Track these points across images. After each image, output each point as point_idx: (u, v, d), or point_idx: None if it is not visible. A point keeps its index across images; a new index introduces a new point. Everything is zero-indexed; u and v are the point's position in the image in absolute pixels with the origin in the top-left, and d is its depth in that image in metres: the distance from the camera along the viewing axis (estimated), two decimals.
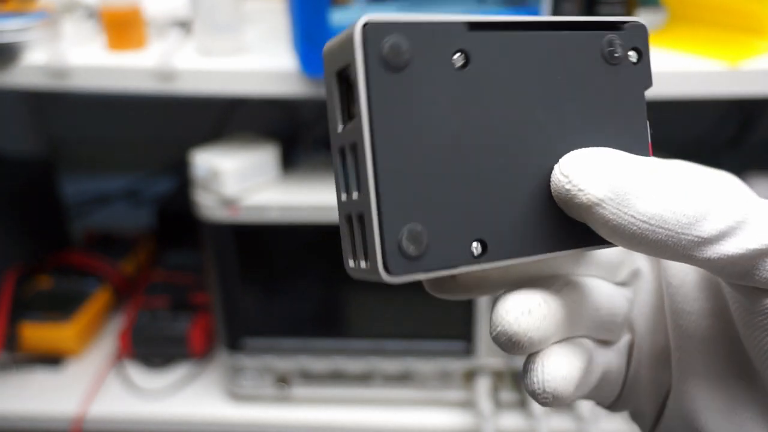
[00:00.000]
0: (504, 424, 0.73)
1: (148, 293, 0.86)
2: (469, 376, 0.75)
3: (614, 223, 0.18)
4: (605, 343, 0.24)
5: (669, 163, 0.24)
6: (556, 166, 0.19)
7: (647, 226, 0.18)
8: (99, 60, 0.63)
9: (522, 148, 0.19)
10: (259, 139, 0.71)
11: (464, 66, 0.19)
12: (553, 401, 0.21)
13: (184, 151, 0.72)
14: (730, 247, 0.18)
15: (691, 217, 0.18)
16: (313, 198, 0.68)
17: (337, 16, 0.57)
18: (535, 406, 0.71)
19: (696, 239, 0.18)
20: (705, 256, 0.18)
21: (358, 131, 0.18)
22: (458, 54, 0.19)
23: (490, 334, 0.21)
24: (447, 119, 0.19)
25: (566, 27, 0.21)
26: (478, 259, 0.19)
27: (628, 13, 0.61)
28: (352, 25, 0.18)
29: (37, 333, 0.81)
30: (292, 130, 0.90)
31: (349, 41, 0.18)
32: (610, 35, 0.21)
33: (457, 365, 0.74)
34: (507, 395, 0.75)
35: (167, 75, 0.61)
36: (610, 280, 0.25)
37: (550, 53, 0.20)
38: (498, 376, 0.75)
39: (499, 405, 0.74)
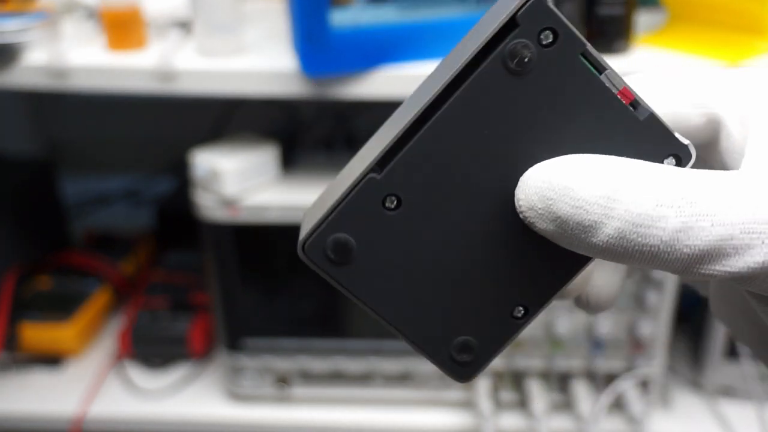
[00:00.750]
0: (504, 424, 0.73)
1: (148, 293, 0.86)
2: None
3: (570, 241, 0.18)
4: None
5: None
6: (516, 194, 0.19)
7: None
8: (99, 60, 0.63)
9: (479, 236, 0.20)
10: (259, 140, 0.71)
11: (398, 206, 0.19)
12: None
13: (184, 151, 0.72)
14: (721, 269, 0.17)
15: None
16: (313, 198, 0.67)
17: (337, 17, 0.57)
18: (535, 407, 0.71)
19: (685, 257, 0.19)
20: (696, 273, 0.18)
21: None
22: (388, 199, 0.19)
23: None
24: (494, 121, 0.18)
25: (457, 81, 0.18)
26: (520, 320, 0.21)
27: (629, 14, 0.61)
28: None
29: (37, 333, 0.81)
30: (291, 130, 0.90)
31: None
32: (508, 46, 0.18)
33: None
34: (507, 395, 0.75)
35: (167, 75, 0.61)
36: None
37: (463, 124, 0.19)
38: (498, 376, 0.75)
39: (499, 405, 0.74)
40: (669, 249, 0.16)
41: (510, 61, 0.18)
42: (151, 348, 0.81)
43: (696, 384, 0.79)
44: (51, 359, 0.82)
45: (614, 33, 0.61)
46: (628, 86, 0.18)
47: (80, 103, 1.02)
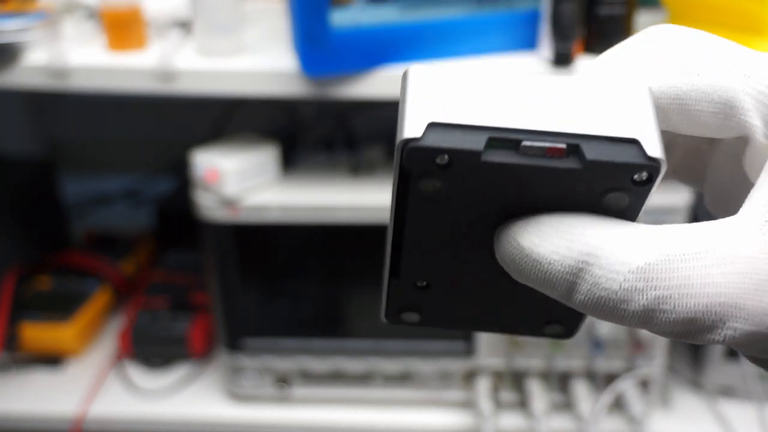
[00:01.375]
0: (504, 424, 0.73)
1: (148, 293, 0.86)
2: (469, 377, 0.75)
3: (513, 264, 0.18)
4: None
5: None
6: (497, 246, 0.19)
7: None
8: (99, 60, 0.63)
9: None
10: (259, 140, 0.71)
11: (427, 285, 0.22)
12: None
13: (184, 151, 0.72)
14: None
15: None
16: (313, 198, 0.68)
17: (337, 17, 0.57)
18: (535, 407, 0.71)
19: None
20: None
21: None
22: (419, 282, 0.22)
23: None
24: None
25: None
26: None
27: (629, 14, 0.61)
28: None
29: (37, 333, 0.81)
30: (292, 131, 0.90)
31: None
32: (417, 186, 0.18)
33: (457, 365, 0.74)
34: (507, 395, 0.75)
35: (167, 75, 0.61)
36: None
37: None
38: (498, 376, 0.75)
39: (499, 405, 0.74)
40: (640, 323, 0.16)
41: (426, 195, 0.18)
42: (151, 348, 0.81)
43: (696, 384, 0.79)
44: (51, 359, 0.82)
45: (614, 33, 0.61)
46: (550, 145, 0.17)
47: (80, 103, 1.02)
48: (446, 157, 0.17)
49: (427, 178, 0.17)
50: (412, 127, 0.16)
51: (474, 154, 0.16)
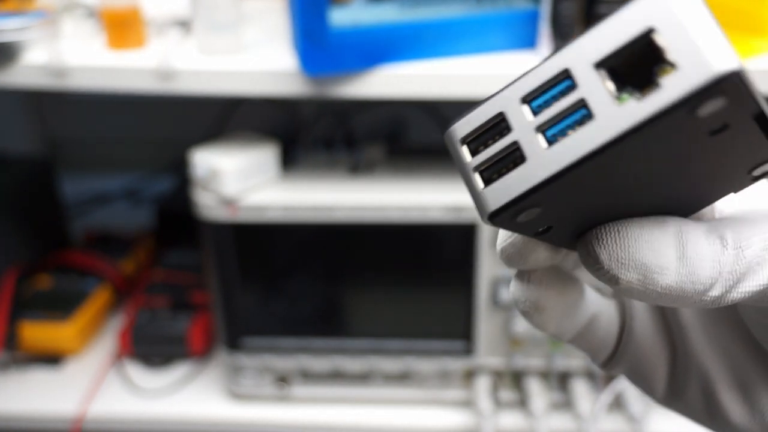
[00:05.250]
0: (504, 424, 0.73)
1: (147, 292, 0.86)
2: (469, 376, 0.75)
3: (640, 296, 0.19)
4: (600, 292, 0.26)
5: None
6: (583, 241, 0.20)
7: (669, 295, 0.19)
8: (99, 59, 0.63)
9: (632, 194, 0.19)
10: (258, 139, 0.71)
11: (713, 133, 0.17)
12: (534, 311, 0.23)
13: (183, 150, 0.72)
14: (740, 293, 0.20)
15: (707, 284, 0.19)
16: (313, 197, 0.68)
17: (337, 16, 0.57)
18: (535, 406, 0.71)
19: (709, 299, 0.20)
20: (720, 304, 0.20)
21: (609, 117, 0.15)
22: (721, 124, 0.16)
23: (499, 246, 0.22)
24: (655, 160, 0.17)
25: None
26: (537, 234, 0.19)
27: None
28: (725, 51, 0.15)
29: (36, 332, 0.81)
30: (291, 130, 0.90)
31: (704, 61, 0.15)
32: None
33: (456, 365, 0.74)
34: (507, 394, 0.75)
35: (167, 74, 0.61)
36: None
37: (743, 146, 0.18)
38: (498, 376, 0.75)
39: (498, 404, 0.74)
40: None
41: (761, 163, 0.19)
42: (151, 347, 0.81)
43: None
44: (51, 358, 0.82)
45: None
46: None
47: (80, 102, 1.02)
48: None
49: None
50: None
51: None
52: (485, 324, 0.72)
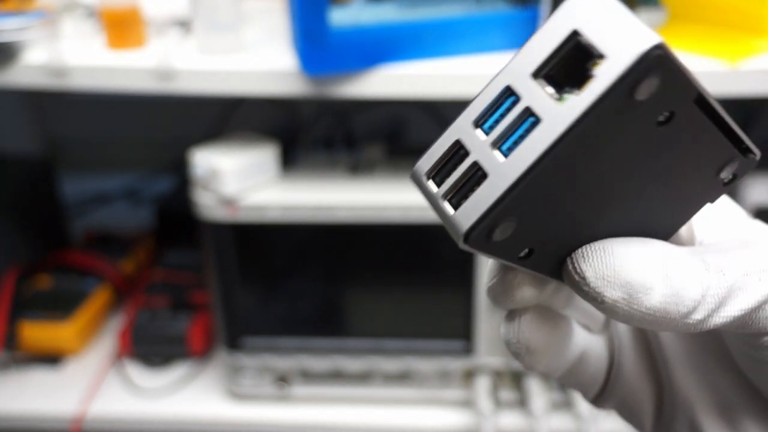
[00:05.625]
0: (503, 424, 0.73)
1: (147, 292, 0.86)
2: (469, 376, 0.75)
3: (625, 316, 0.20)
4: (589, 329, 0.26)
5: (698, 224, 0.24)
6: (569, 261, 0.20)
7: (653, 317, 0.20)
8: (98, 59, 0.63)
9: (604, 206, 0.20)
10: (258, 139, 0.71)
11: (661, 124, 0.18)
12: (526, 353, 0.23)
13: (183, 150, 0.72)
14: (719, 318, 0.20)
15: (690, 306, 0.20)
16: (313, 197, 0.68)
17: (337, 15, 0.57)
18: (535, 406, 0.71)
19: (693, 321, 0.20)
20: (702, 328, 0.20)
21: (554, 115, 0.16)
22: (668, 113, 0.18)
23: (488, 283, 0.22)
24: (610, 156, 0.18)
25: (725, 128, 0.20)
26: (519, 260, 0.20)
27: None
28: (645, 32, 0.16)
29: (36, 332, 0.81)
30: (291, 130, 0.90)
31: (627, 44, 0.16)
32: (737, 155, 0.21)
33: (456, 364, 0.74)
34: (507, 394, 0.75)
35: (167, 74, 0.61)
36: None
37: (701, 144, 0.20)
38: (498, 376, 0.75)
39: (498, 404, 0.74)
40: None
41: (728, 159, 0.20)
42: (150, 347, 0.81)
43: None
44: (50, 358, 0.82)
45: None
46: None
47: (80, 102, 1.02)
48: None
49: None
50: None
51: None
52: (485, 324, 0.72)
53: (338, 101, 0.83)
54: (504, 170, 0.17)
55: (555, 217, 0.19)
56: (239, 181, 0.67)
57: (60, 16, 0.71)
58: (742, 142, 0.21)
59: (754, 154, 0.21)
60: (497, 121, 0.17)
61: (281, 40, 0.67)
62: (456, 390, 0.76)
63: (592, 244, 0.20)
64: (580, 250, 0.20)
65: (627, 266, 0.19)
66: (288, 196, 0.68)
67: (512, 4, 0.64)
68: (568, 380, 0.26)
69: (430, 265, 0.72)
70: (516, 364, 0.73)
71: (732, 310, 0.20)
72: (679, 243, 0.23)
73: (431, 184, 0.18)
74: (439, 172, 0.18)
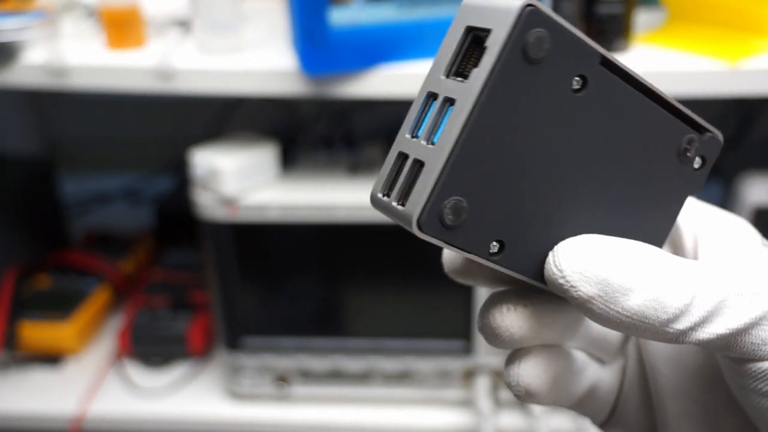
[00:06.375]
0: (503, 423, 0.73)
1: (147, 292, 0.86)
2: (469, 375, 0.75)
3: (601, 316, 0.19)
4: (601, 360, 0.26)
5: (681, 223, 0.25)
6: (550, 254, 0.20)
7: (631, 320, 0.19)
8: (98, 59, 0.63)
9: (567, 191, 0.20)
10: (258, 139, 0.71)
11: (577, 90, 0.19)
12: (526, 396, 0.23)
13: (183, 150, 0.72)
14: (704, 333, 0.19)
15: (671, 314, 0.19)
16: (313, 197, 0.68)
17: (337, 15, 0.57)
18: (535, 406, 0.72)
19: (674, 331, 0.19)
20: (681, 341, 0.20)
21: (464, 92, 0.18)
22: (578, 78, 0.19)
23: (478, 326, 0.23)
24: (539, 128, 0.19)
25: (665, 105, 0.21)
26: (491, 256, 0.20)
27: (628, 12, 0.61)
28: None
29: (36, 332, 0.81)
30: (291, 130, 0.90)
31: (503, 12, 0.18)
32: (693, 135, 0.22)
33: (456, 364, 0.74)
34: (506, 394, 0.75)
35: (166, 74, 0.61)
36: None
37: (640, 121, 0.21)
38: (497, 375, 0.75)
39: (498, 404, 0.74)
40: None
41: (686, 142, 0.22)
42: (150, 347, 0.81)
43: None
44: (50, 358, 0.82)
45: (613, 31, 0.61)
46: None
47: (79, 102, 1.02)
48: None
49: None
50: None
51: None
52: None
53: (338, 101, 0.83)
54: (435, 153, 0.18)
55: (512, 200, 0.19)
56: (239, 181, 0.67)
57: (60, 15, 0.71)
58: (685, 115, 0.21)
59: (710, 131, 0.22)
60: (426, 122, 0.19)
61: (281, 40, 0.67)
62: (456, 390, 0.76)
63: (574, 237, 0.20)
64: (564, 241, 0.20)
65: (606, 262, 0.19)
66: (288, 195, 0.68)
67: None
68: (576, 410, 0.25)
69: (430, 265, 0.72)
70: None
71: (717, 327, 0.19)
72: (682, 255, 0.23)
73: (385, 199, 0.20)
74: (390, 186, 0.20)
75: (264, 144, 0.70)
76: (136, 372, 0.81)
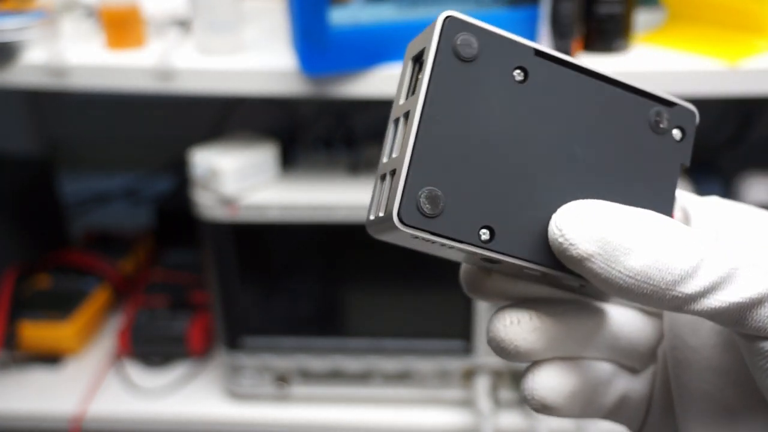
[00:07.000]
0: (503, 423, 0.73)
1: (147, 292, 0.86)
2: (469, 375, 0.75)
3: (603, 276, 0.19)
4: (632, 369, 0.25)
5: (685, 199, 0.24)
6: (553, 216, 0.20)
7: (634, 281, 0.18)
8: (98, 59, 0.63)
9: (548, 172, 0.21)
10: (258, 138, 0.71)
11: (522, 81, 0.21)
12: (543, 410, 0.22)
13: (183, 150, 0.72)
14: (715, 301, 0.19)
15: (677, 275, 0.18)
16: (313, 197, 0.68)
17: (337, 15, 0.57)
18: None
19: (681, 295, 0.19)
20: (691, 309, 0.19)
21: (414, 100, 0.20)
22: (518, 70, 0.21)
23: (486, 340, 0.22)
24: (494, 117, 0.20)
25: (622, 86, 0.22)
26: (484, 244, 0.20)
27: (628, 12, 0.61)
28: (440, 17, 0.20)
29: (36, 332, 0.81)
30: (291, 129, 0.90)
31: (429, 29, 0.20)
32: (660, 108, 0.22)
33: (456, 364, 0.74)
34: (506, 394, 0.75)
35: (166, 74, 0.61)
36: (643, 309, 0.25)
37: (600, 102, 0.22)
38: (497, 375, 0.75)
39: (498, 404, 0.74)
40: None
41: (654, 115, 0.22)
42: (150, 347, 0.81)
43: None
44: (50, 358, 0.82)
45: (613, 31, 0.61)
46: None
47: (79, 101, 1.02)
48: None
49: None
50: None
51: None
52: (485, 323, 0.72)
53: (338, 101, 0.83)
54: (400, 156, 0.20)
55: (489, 185, 0.20)
56: (239, 180, 0.67)
57: (60, 15, 0.71)
58: (643, 91, 0.22)
59: (677, 104, 0.23)
60: (394, 142, 0.21)
61: (281, 40, 0.67)
62: (456, 390, 0.76)
63: (576, 201, 0.20)
64: (563, 205, 0.20)
65: (606, 221, 0.19)
66: (287, 195, 0.68)
67: (511, 4, 0.63)
68: (610, 419, 0.25)
69: (430, 265, 0.72)
70: (516, 364, 0.73)
71: (729, 295, 0.18)
72: None
73: (372, 218, 0.21)
74: (377, 208, 0.21)
75: (264, 144, 0.70)
76: (136, 372, 0.81)
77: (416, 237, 0.19)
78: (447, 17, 0.20)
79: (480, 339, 0.73)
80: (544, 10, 0.60)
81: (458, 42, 0.20)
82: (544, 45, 0.63)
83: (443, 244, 0.20)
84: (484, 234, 0.20)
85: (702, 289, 0.18)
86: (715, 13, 0.65)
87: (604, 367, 0.24)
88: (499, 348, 0.22)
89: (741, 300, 0.18)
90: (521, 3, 0.63)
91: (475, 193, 0.20)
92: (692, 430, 0.23)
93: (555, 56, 0.21)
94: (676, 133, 0.23)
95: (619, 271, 0.18)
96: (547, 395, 0.22)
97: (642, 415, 0.25)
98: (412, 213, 0.19)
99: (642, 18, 0.68)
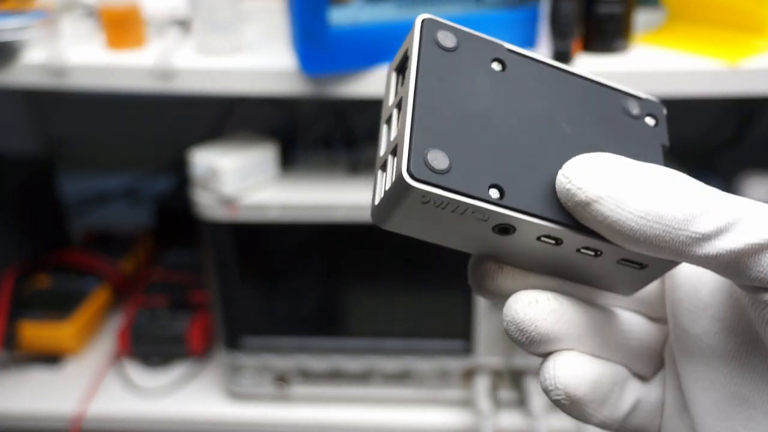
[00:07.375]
0: (503, 423, 0.73)
1: (147, 292, 0.86)
2: (468, 375, 0.75)
3: (611, 219, 0.19)
4: (643, 377, 0.25)
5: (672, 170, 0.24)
6: (560, 171, 0.20)
7: (644, 221, 0.18)
8: (98, 59, 0.63)
9: (543, 141, 0.22)
10: (258, 138, 0.71)
11: (501, 71, 0.22)
12: (567, 400, 0.21)
13: (183, 150, 0.72)
14: (725, 243, 0.19)
15: (688, 213, 0.18)
16: (312, 197, 0.68)
17: (336, 15, 0.57)
18: (535, 406, 0.71)
19: (693, 235, 0.19)
20: (701, 252, 0.19)
21: (406, 87, 0.21)
22: (496, 62, 0.22)
23: (504, 327, 0.21)
24: (483, 95, 0.21)
25: (592, 81, 0.23)
26: (495, 201, 0.20)
27: (628, 12, 0.61)
28: (419, 18, 0.22)
29: (36, 332, 0.81)
30: (291, 129, 0.90)
31: (410, 33, 0.22)
32: (629, 99, 0.24)
33: (456, 364, 0.74)
34: (506, 394, 0.75)
35: (166, 74, 0.61)
36: (648, 315, 0.25)
37: (576, 90, 0.23)
38: (497, 375, 0.75)
39: (498, 404, 0.74)
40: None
41: (624, 103, 0.23)
42: (150, 347, 0.81)
43: None
44: (50, 358, 0.82)
45: (613, 32, 0.61)
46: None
47: (79, 101, 1.02)
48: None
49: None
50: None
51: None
52: (485, 323, 0.72)
53: (337, 101, 0.83)
54: (401, 129, 0.20)
55: (491, 150, 0.21)
56: (239, 180, 0.67)
57: (60, 15, 0.71)
58: (611, 87, 0.23)
59: (640, 97, 0.24)
60: (390, 136, 0.22)
61: (281, 40, 0.67)
62: (455, 390, 0.76)
63: (581, 155, 0.20)
64: (577, 156, 0.20)
65: (614, 167, 0.19)
66: (287, 195, 0.68)
67: (511, 4, 0.63)
68: (621, 428, 0.24)
69: (430, 265, 0.72)
70: (515, 364, 0.73)
71: (739, 238, 0.18)
72: None
73: (377, 201, 0.22)
74: (382, 188, 0.21)
75: (264, 144, 0.70)
76: (136, 372, 0.81)
77: (427, 202, 0.19)
78: (424, 19, 0.21)
79: (480, 339, 0.73)
80: (544, 11, 0.60)
81: (438, 36, 0.21)
82: (544, 45, 0.63)
83: (455, 208, 0.20)
84: (494, 192, 0.20)
85: (713, 229, 0.18)
86: (715, 13, 0.65)
87: (619, 369, 0.23)
88: (518, 330, 0.21)
89: (748, 244, 0.18)
90: (521, 3, 0.63)
91: (479, 155, 0.20)
92: (707, 422, 0.23)
93: (527, 54, 0.23)
94: (649, 120, 0.24)
95: (630, 212, 0.18)
96: (571, 383, 0.21)
97: (657, 422, 0.25)
98: (421, 169, 0.19)
99: (642, 18, 0.68)
